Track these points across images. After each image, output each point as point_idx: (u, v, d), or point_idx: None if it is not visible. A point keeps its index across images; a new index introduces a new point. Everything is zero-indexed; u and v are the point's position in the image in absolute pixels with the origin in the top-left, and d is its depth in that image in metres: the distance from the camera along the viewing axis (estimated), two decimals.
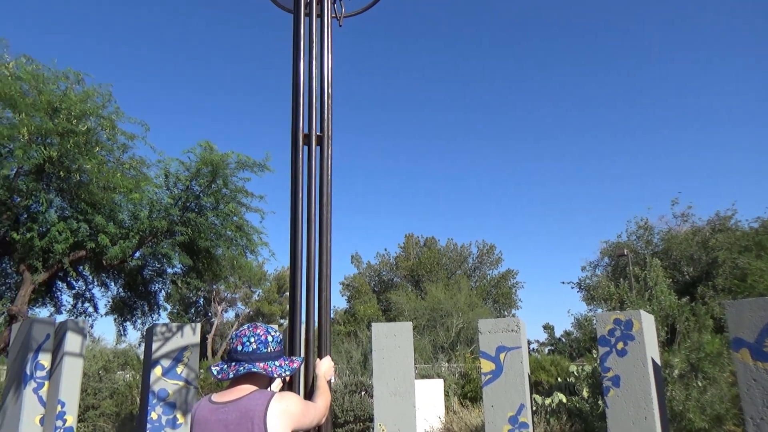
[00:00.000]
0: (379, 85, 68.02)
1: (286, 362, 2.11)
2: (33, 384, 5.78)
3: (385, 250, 51.82)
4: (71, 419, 5.86)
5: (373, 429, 8.40)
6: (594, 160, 65.76)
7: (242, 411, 1.93)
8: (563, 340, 40.12)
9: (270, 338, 2.09)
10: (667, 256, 22.87)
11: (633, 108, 64.17)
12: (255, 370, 2.01)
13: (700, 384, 7.84)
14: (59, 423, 5.76)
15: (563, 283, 48.90)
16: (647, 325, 6.07)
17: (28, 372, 5.78)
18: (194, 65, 66.21)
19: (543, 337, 48.03)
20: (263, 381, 2.09)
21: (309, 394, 2.61)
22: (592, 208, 65.81)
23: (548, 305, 72.56)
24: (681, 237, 22.99)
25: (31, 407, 5.71)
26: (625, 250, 21.91)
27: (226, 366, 2.05)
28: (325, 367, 2.52)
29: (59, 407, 5.78)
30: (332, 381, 2.63)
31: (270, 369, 2.03)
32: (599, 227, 66.35)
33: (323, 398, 2.31)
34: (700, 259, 21.83)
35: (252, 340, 2.06)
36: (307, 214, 2.86)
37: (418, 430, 7.35)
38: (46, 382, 5.88)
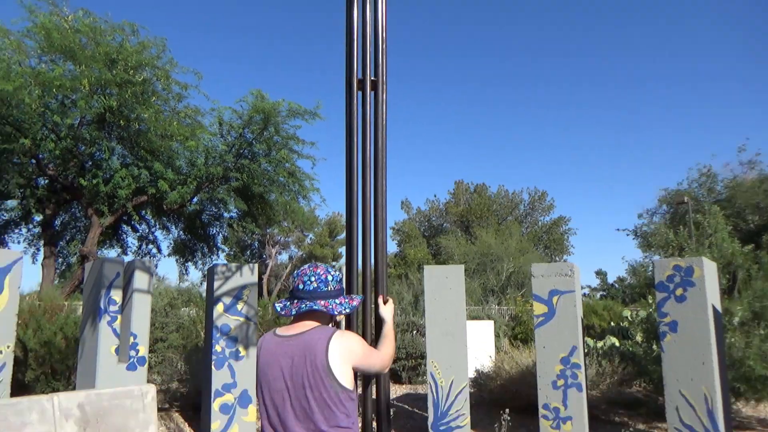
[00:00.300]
0: (431, 30, 66.18)
1: (347, 300, 2.18)
2: (107, 317, 6.19)
3: (435, 196, 51.73)
4: (143, 350, 6.27)
5: (425, 366, 8.66)
6: (656, 108, 62.73)
7: (305, 344, 2.02)
8: (616, 285, 39.47)
9: (330, 277, 2.16)
10: (731, 205, 21.86)
11: (699, 56, 60.25)
12: (316, 307, 2.09)
13: (762, 332, 7.62)
14: (132, 353, 6.18)
15: (618, 230, 47.79)
16: (709, 272, 5.90)
17: (102, 307, 6.17)
18: (245, 13, 65.98)
19: (595, 283, 47.42)
20: (325, 318, 2.17)
21: (374, 338, 2.69)
22: (651, 156, 63.32)
23: (601, 252, 71.27)
24: (747, 185, 21.86)
25: (106, 338, 6.14)
26: (686, 198, 21.05)
27: (289, 303, 2.14)
28: (391, 311, 2.55)
29: (132, 339, 6.19)
30: None
31: (331, 306, 2.10)
32: (658, 175, 63.92)
33: (389, 346, 2.30)
34: (767, 208, 20.79)
35: (313, 279, 2.13)
36: (362, 159, 2.87)
37: (470, 368, 7.51)
38: (119, 316, 6.28)
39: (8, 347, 5.07)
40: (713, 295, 5.96)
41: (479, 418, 7.84)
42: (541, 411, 6.25)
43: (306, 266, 2.21)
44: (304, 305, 2.09)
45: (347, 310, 2.15)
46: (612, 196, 66.64)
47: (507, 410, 7.00)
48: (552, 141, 65.13)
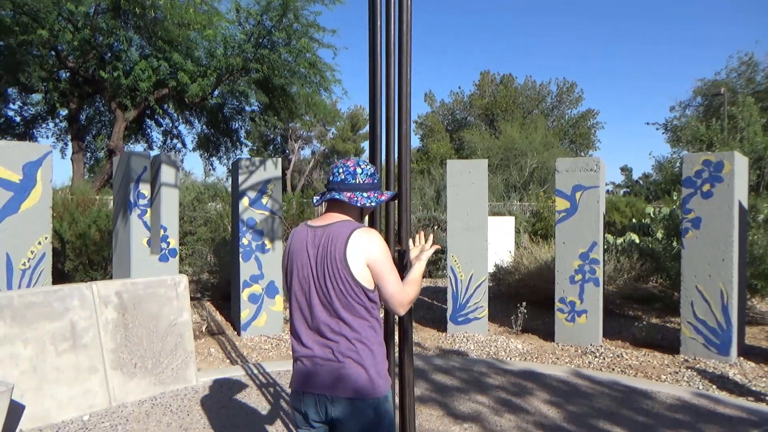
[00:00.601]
0: None
1: (375, 195, 2.18)
2: (137, 211, 6.37)
3: (459, 88, 50.34)
4: (174, 242, 6.51)
5: (445, 260, 8.90)
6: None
7: (330, 235, 2.07)
8: (641, 182, 39.05)
9: (359, 170, 2.15)
10: None
11: None
12: (338, 197, 2.11)
13: None
14: (163, 245, 6.43)
15: (648, 124, 46.46)
16: (739, 167, 5.76)
17: (132, 200, 6.34)
18: None
19: (619, 179, 46.91)
20: (353, 212, 2.19)
21: (397, 239, 2.71)
22: (687, 47, 59.72)
23: (628, 148, 69.73)
24: None
25: (138, 231, 6.36)
26: (722, 89, 20.03)
27: (321, 196, 2.20)
28: (428, 256, 2.42)
29: (162, 231, 6.41)
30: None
31: (356, 198, 2.12)
32: (695, 68, 60.57)
33: (412, 288, 2.19)
34: None
35: (341, 170, 2.16)
36: (385, 42, 2.75)
37: (489, 263, 7.68)
38: (149, 210, 6.46)
39: (46, 238, 5.30)
40: (741, 191, 5.86)
41: (496, 310, 8.14)
42: (558, 304, 6.45)
43: (340, 161, 2.24)
44: (329, 195, 2.15)
45: (372, 203, 2.15)
46: (644, 89, 64.10)
47: (524, 303, 7.23)
48: (583, 31, 61.67)
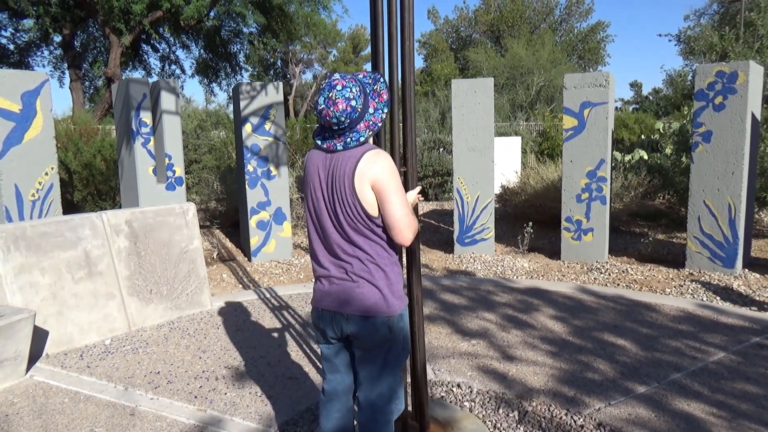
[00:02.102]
0: None
1: (376, 100, 2.09)
2: (141, 139, 6.32)
3: (464, 2, 48.36)
4: (179, 170, 6.50)
5: (451, 182, 8.89)
6: None
7: (341, 159, 2.03)
8: (651, 97, 38.13)
9: (353, 102, 1.99)
10: None
11: None
12: (363, 138, 2.02)
13: None
14: (169, 173, 6.42)
15: (660, 35, 44.85)
16: (754, 77, 5.58)
17: (134, 129, 6.27)
18: None
19: (628, 95, 45.85)
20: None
21: (402, 155, 2.67)
22: None
23: (638, 62, 67.61)
24: None
25: (143, 160, 6.34)
26: None
27: (329, 135, 2.06)
28: (411, 198, 2.43)
29: (167, 160, 6.38)
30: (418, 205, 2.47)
31: (371, 122, 2.06)
32: None
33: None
34: None
35: (342, 118, 1.98)
36: None
37: (495, 184, 7.66)
38: (152, 138, 6.40)
39: (52, 169, 5.30)
40: (754, 103, 5.73)
41: (503, 231, 8.20)
42: (564, 224, 6.48)
43: (321, 103, 1.99)
44: (349, 139, 2.02)
45: (386, 110, 2.09)
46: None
47: (530, 223, 7.27)
48: None
